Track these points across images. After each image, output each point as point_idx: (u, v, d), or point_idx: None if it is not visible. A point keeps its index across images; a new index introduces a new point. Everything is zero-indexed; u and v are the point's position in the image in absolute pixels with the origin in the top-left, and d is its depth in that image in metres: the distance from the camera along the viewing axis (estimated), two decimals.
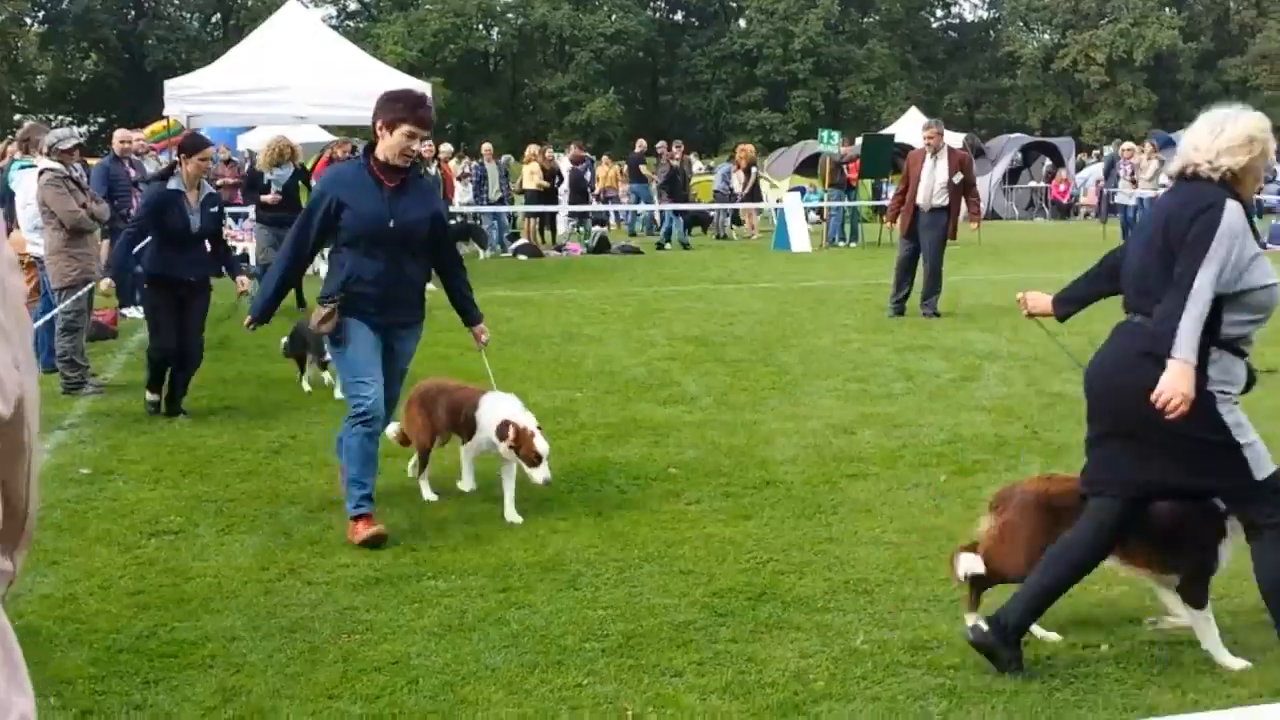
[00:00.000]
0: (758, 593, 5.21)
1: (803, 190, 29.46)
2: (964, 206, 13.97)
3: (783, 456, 7.57)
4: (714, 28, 70.36)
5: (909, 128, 43.28)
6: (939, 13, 75.90)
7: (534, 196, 24.92)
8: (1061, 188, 33.79)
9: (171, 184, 8.70)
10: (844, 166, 25.73)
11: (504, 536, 6.00)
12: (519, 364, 10.54)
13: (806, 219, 25.55)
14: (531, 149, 25.81)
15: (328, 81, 17.44)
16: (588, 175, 27.83)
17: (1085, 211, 32.69)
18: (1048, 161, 35.23)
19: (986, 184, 32.81)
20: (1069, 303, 4.90)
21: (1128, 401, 4.10)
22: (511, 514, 6.26)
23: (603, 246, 23.99)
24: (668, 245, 24.46)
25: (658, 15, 71.98)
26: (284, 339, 9.92)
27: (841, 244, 25.60)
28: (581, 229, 26.96)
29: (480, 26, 68.17)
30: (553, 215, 26.38)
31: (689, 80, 69.26)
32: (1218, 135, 4.09)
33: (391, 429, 6.66)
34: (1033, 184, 35.05)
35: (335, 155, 17.51)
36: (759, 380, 10.10)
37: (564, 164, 28.09)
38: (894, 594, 5.17)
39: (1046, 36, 71.54)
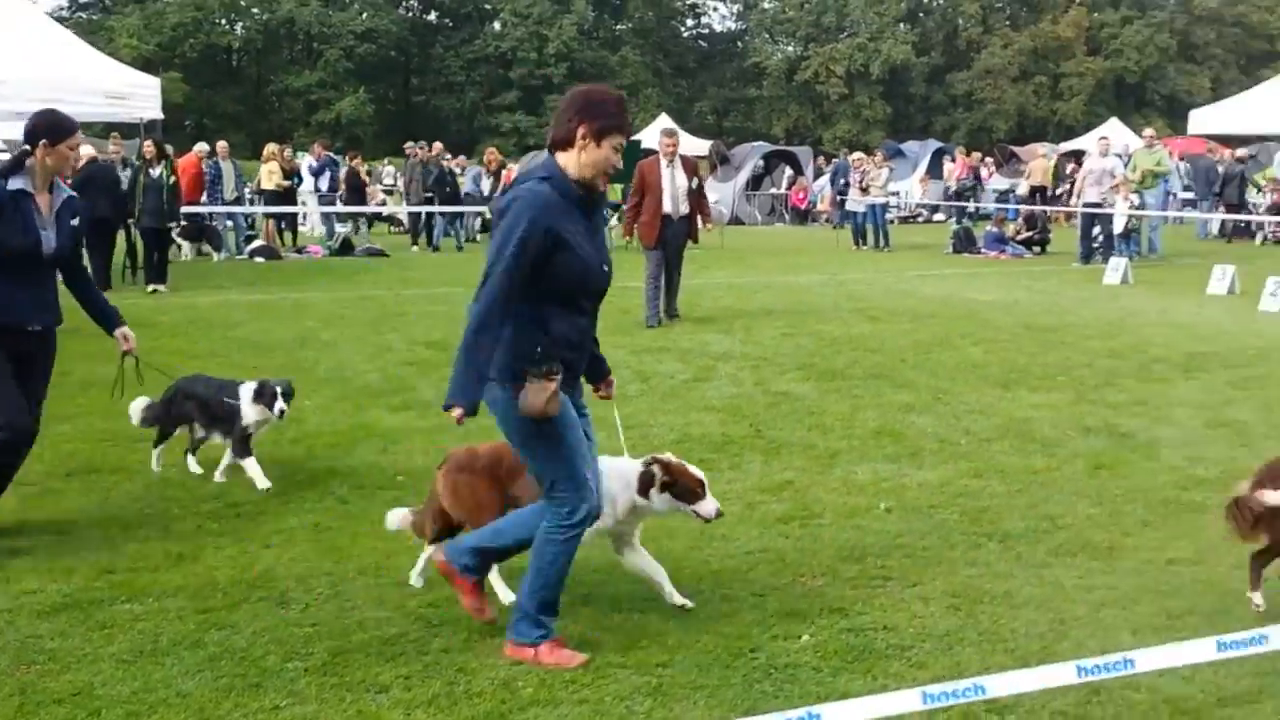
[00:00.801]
0: None
1: None
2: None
3: None
4: (468, 29, 69.93)
5: (654, 134, 44.14)
6: (689, 22, 77.70)
7: (272, 197, 24.11)
8: (800, 195, 35.04)
9: (14, 182, 5.78)
10: None
11: (209, 555, 5.71)
12: (245, 371, 10.08)
13: None
14: (271, 148, 24.97)
15: (48, 75, 16.64)
16: (328, 175, 27.06)
17: (825, 217, 34.01)
18: (788, 169, 36.48)
19: (731, 190, 33.82)
20: None
21: None
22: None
23: (346, 249, 23.42)
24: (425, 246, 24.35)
25: (410, 14, 71.04)
26: (141, 402, 7.19)
27: None
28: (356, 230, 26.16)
29: (223, 21, 65.69)
30: (293, 216, 25.58)
31: (443, 81, 68.64)
32: None
33: (397, 517, 5.35)
34: (773, 191, 36.23)
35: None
36: None
37: (306, 163, 27.29)
38: (609, 595, 5.17)
39: (790, 49, 74.21)
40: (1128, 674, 2.97)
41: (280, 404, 6.86)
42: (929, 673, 4.26)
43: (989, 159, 38.28)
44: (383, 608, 5.06)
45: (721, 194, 33.13)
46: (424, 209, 25.06)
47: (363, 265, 21.59)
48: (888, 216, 27.01)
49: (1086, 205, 21.53)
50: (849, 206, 26.17)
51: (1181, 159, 30.43)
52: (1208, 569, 5.36)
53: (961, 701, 2.87)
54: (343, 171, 26.97)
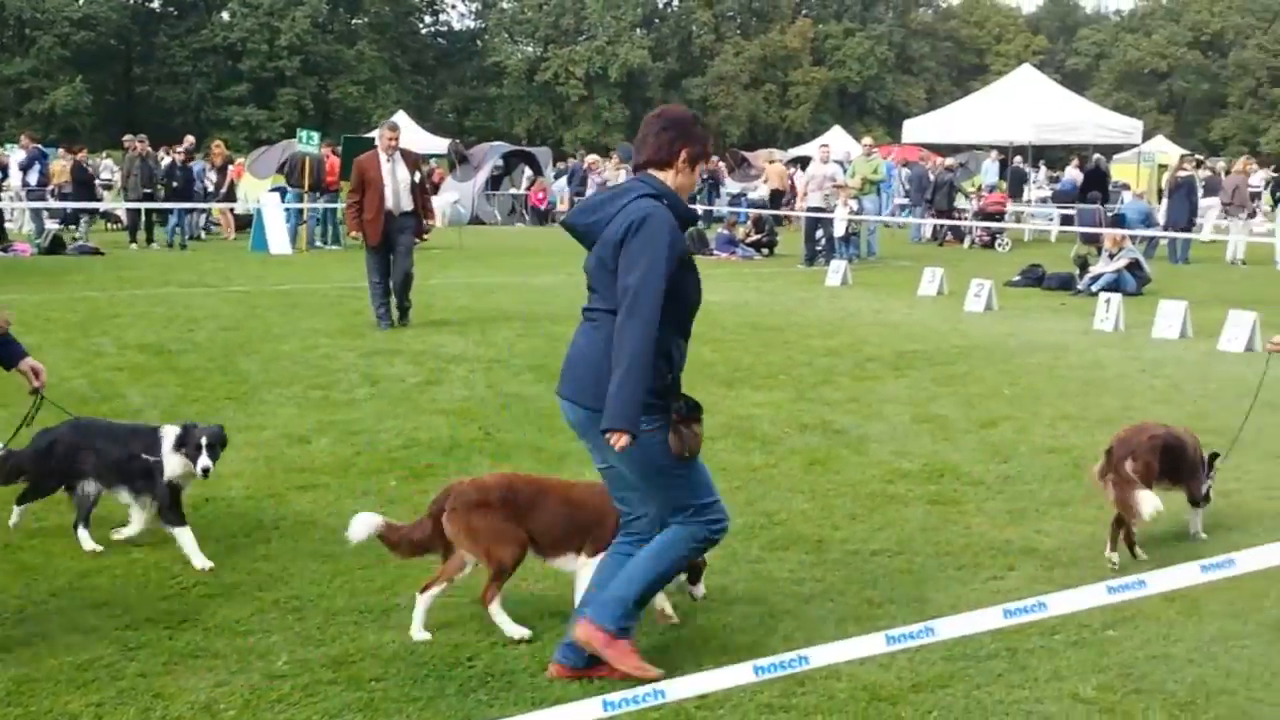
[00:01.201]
0: (178, 620, 4.87)
1: (283, 191, 28.59)
2: None
3: (228, 471, 7.14)
4: (194, 18, 66.91)
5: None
6: (427, 19, 76.77)
7: None
8: (540, 195, 35.14)
9: None
10: (324, 167, 25.21)
11: None
12: None
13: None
14: None
15: None
16: (37, 168, 25.36)
17: (559, 219, 34.26)
18: (528, 170, 36.52)
19: (470, 190, 33.56)
20: None
21: None
22: None
23: (56, 247, 21.98)
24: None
25: (131, 2, 67.35)
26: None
27: (323, 246, 25.10)
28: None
29: None
30: None
31: (167, 71, 65.50)
32: None
33: (367, 525, 4.78)
34: (513, 191, 36.19)
35: None
36: (214, 390, 9.59)
37: (14, 156, 25.50)
38: (325, 609, 5.01)
39: (530, 49, 74.42)
40: (802, 670, 3.07)
41: (205, 458, 5.54)
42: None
43: (722, 163, 39.38)
44: (75, 632, 4.74)
45: (461, 194, 32.85)
46: (143, 205, 23.78)
47: (75, 264, 20.30)
48: None
49: (810, 209, 22.44)
50: None
51: (905, 165, 32.17)
52: (907, 559, 5.65)
53: (640, 707, 2.89)
54: (59, 165, 25.32)
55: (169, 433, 5.66)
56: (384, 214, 12.96)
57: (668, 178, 4.32)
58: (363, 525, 4.74)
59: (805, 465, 7.44)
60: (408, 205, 13.14)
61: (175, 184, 23.93)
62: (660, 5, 77.09)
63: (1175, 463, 5.78)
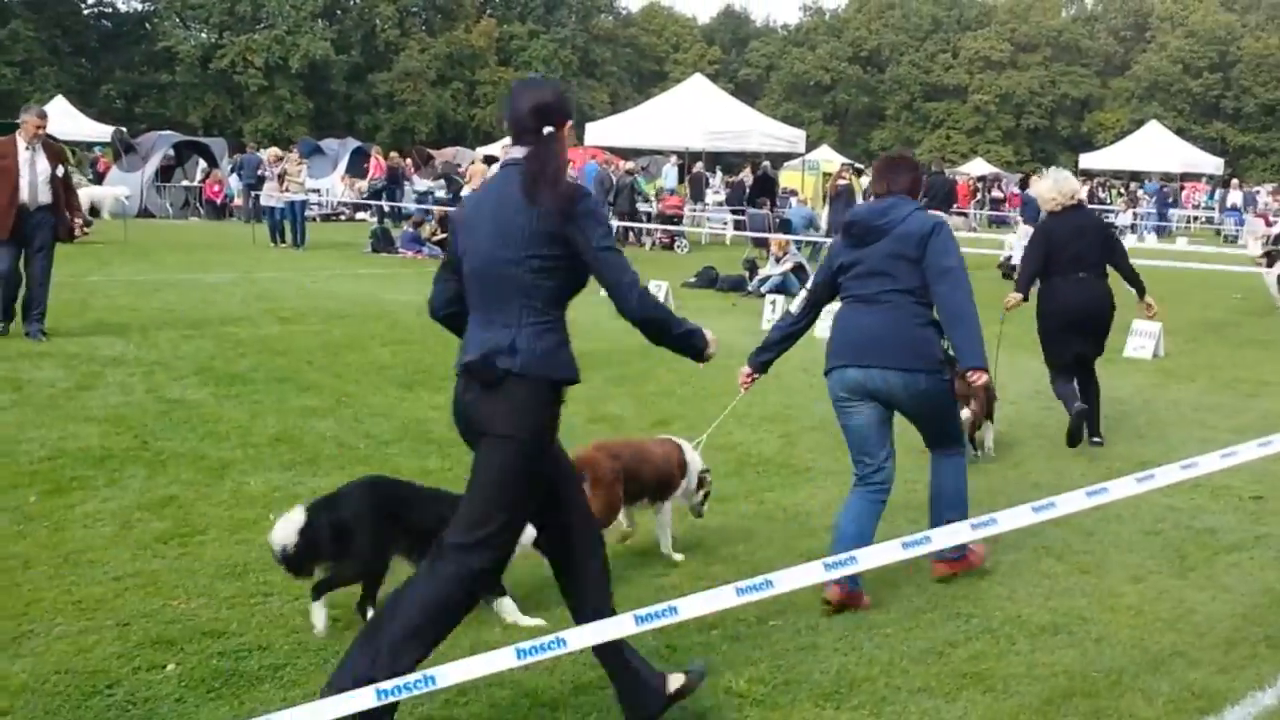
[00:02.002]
0: None
1: None
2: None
3: None
4: None
5: (55, 116, 40.43)
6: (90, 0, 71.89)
7: None
8: (216, 188, 33.59)
9: None
10: None
11: None
12: None
13: None
14: None
15: None
16: None
17: (236, 213, 32.85)
18: (201, 161, 34.84)
19: (139, 181, 31.69)
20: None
21: None
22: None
23: None
24: None
25: None
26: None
27: None
28: None
29: None
30: None
31: None
32: None
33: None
34: (186, 183, 34.44)
35: None
36: None
37: None
38: None
39: (205, 35, 70.96)
40: (429, 690, 3.05)
41: None
42: (300, 691, 4.17)
43: (408, 160, 38.83)
44: None
45: (128, 184, 30.96)
46: None
47: None
48: (308, 214, 26.62)
49: None
50: (264, 202, 25.42)
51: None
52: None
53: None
54: None
55: None
56: (17, 206, 11.62)
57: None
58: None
59: None
60: (46, 199, 11.78)
61: None
62: None
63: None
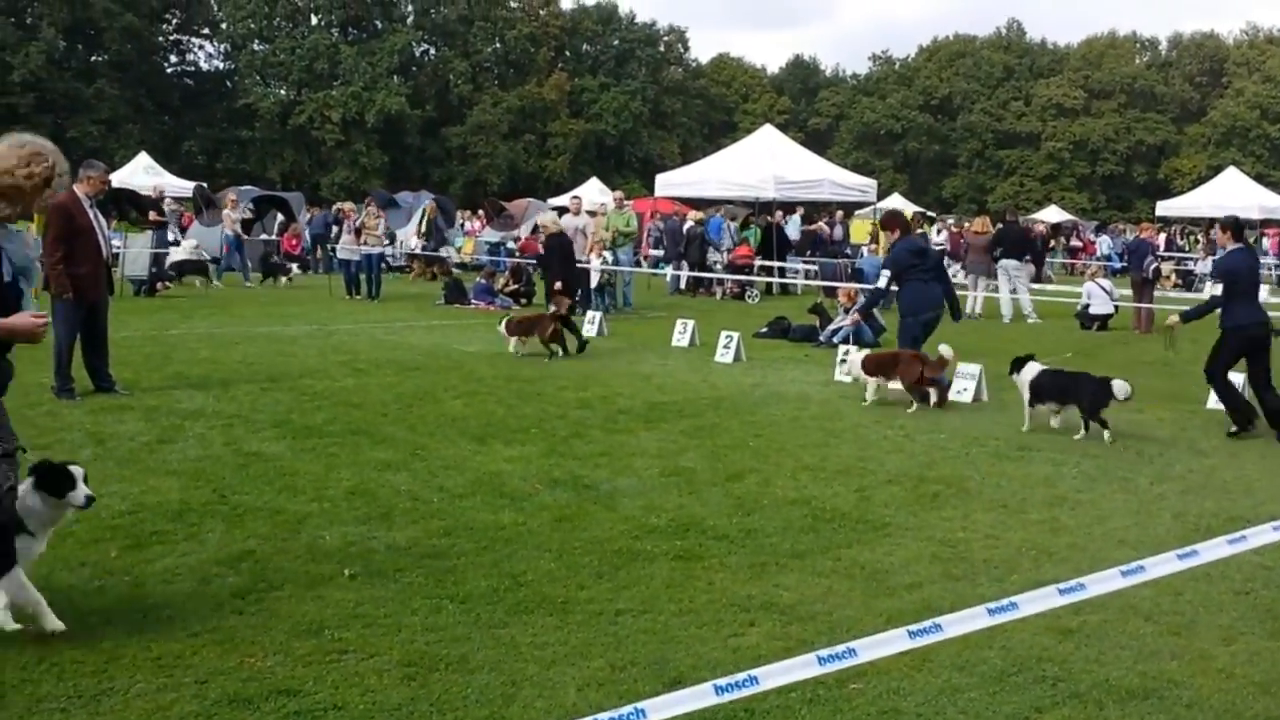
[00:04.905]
0: None
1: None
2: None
3: None
4: None
5: (135, 172, 41.51)
6: (173, 59, 74.03)
7: None
8: (294, 241, 34.20)
9: None
10: None
11: None
12: None
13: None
14: None
15: None
16: None
17: (316, 266, 33.44)
18: (280, 215, 35.50)
19: (218, 235, 32.29)
20: None
21: None
22: None
23: None
24: None
25: None
26: None
27: None
28: None
29: None
30: None
31: None
32: None
33: None
34: (265, 236, 35.09)
35: None
36: None
37: None
38: (30, 695, 4.62)
39: (283, 92, 72.66)
40: None
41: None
42: None
43: (481, 211, 39.25)
44: None
45: (209, 238, 31.57)
46: None
47: None
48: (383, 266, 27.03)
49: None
50: (341, 255, 25.83)
51: (661, 218, 32.89)
52: (651, 618, 5.64)
53: None
54: None
55: None
56: (103, 265, 11.77)
57: None
58: None
59: (554, 522, 7.39)
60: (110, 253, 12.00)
61: None
62: (417, 54, 76.68)
63: None
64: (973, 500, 8.29)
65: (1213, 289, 19.21)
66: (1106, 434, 10.55)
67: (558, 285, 16.95)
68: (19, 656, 4.99)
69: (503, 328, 16.31)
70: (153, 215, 26.12)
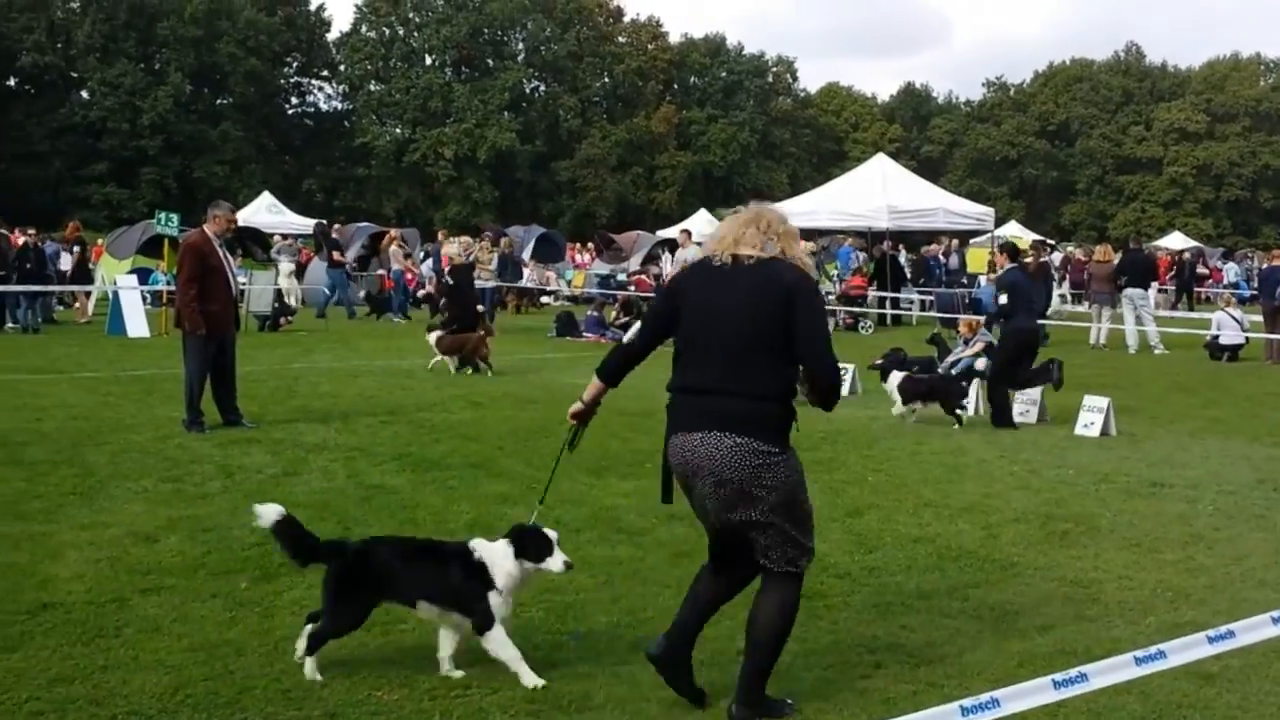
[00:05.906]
0: None
1: (149, 272, 27.92)
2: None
3: (69, 573, 6.81)
4: (51, 97, 65.31)
5: (258, 210, 42.71)
6: (294, 100, 76.31)
7: None
8: (410, 276, 34.82)
9: None
10: None
11: None
12: None
13: (159, 302, 24.08)
14: None
15: None
16: None
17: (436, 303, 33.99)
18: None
19: (340, 272, 33.05)
20: None
21: None
22: None
23: None
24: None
25: None
26: None
27: None
28: None
29: None
30: None
31: (24, 150, 63.56)
32: None
33: None
34: (381, 271, 35.82)
35: None
36: (59, 485, 9.12)
37: None
38: None
39: (399, 130, 74.35)
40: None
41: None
42: None
43: (591, 245, 39.66)
44: None
45: (330, 276, 32.35)
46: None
47: None
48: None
49: None
50: None
51: None
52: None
53: None
54: None
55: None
56: (232, 302, 12.16)
57: None
58: None
59: (672, 557, 7.33)
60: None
61: (29, 265, 23.10)
62: (527, 90, 77.86)
63: None
64: (1104, 539, 8.04)
65: None
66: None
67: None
68: (155, 686, 5.10)
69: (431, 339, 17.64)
70: (335, 256, 27.95)
